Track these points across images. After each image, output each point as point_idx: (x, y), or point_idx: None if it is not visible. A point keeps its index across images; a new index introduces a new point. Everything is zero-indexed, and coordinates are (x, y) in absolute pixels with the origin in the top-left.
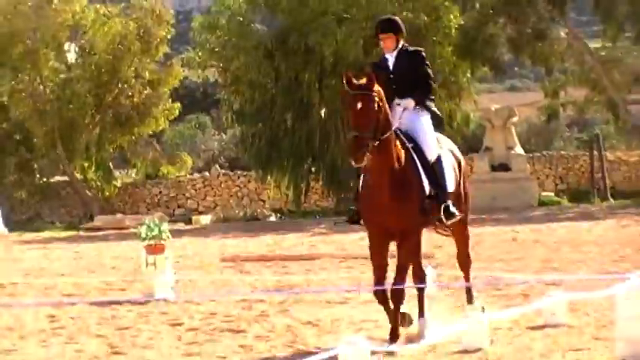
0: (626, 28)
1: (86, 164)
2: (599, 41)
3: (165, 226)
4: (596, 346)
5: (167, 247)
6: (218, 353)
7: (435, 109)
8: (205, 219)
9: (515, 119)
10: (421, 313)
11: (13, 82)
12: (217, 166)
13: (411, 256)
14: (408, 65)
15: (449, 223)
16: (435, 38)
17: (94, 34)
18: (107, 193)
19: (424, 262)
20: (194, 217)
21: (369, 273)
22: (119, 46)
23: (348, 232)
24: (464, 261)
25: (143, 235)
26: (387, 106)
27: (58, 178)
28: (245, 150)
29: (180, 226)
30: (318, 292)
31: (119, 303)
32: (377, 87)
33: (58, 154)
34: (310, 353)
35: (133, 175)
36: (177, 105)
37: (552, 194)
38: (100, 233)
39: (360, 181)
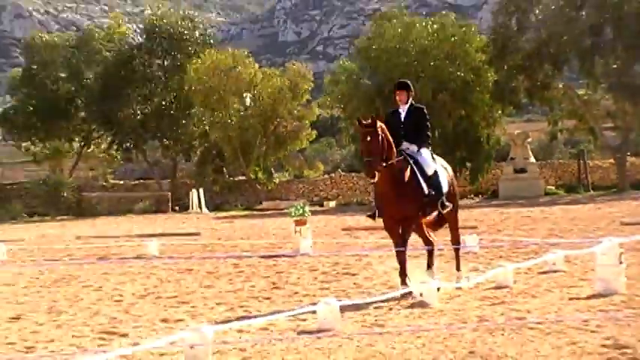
0: (601, 82)
1: (257, 169)
2: (584, 89)
3: (307, 208)
4: (583, 285)
5: (308, 221)
6: (341, 288)
7: (429, 146)
8: (332, 204)
9: (529, 140)
10: (429, 266)
11: (211, 118)
12: (340, 170)
13: (409, 230)
14: (414, 117)
15: (445, 211)
16: (478, 88)
17: (262, 87)
18: (270, 188)
19: (470, 232)
20: (325, 202)
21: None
22: (278, 94)
23: None
24: (456, 241)
25: (293, 214)
26: (390, 139)
27: (239, 177)
28: (357, 160)
29: (316, 208)
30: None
31: (278, 256)
32: (380, 125)
33: (239, 163)
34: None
35: (287, 176)
36: (314, 132)
37: (553, 188)
38: (265, 213)
39: (375, 189)
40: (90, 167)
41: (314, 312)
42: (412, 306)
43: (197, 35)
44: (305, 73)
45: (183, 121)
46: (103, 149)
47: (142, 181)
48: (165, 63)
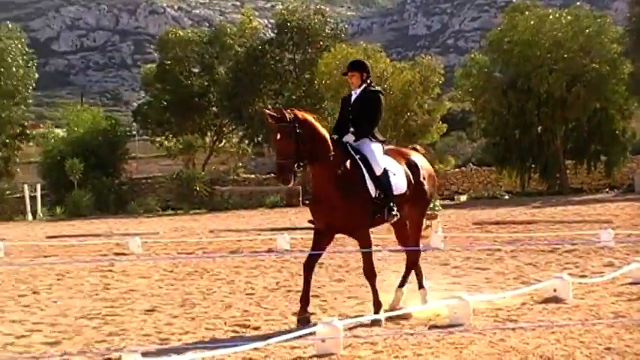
0: None
1: None
2: None
3: (438, 202)
4: None
5: (439, 215)
6: (472, 283)
7: (378, 137)
8: (463, 197)
9: None
10: (402, 284)
11: None
12: (471, 163)
13: (364, 242)
14: (365, 102)
15: (391, 220)
16: (613, 81)
17: (392, 81)
18: None
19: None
20: (456, 196)
21: (567, 231)
22: (408, 88)
23: (559, 205)
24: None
25: None
26: (320, 131)
27: None
28: (488, 153)
29: (447, 202)
30: (533, 244)
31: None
32: (300, 117)
33: None
34: (531, 283)
35: None
36: (445, 125)
37: None
38: None
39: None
40: (221, 161)
41: (445, 307)
42: (546, 301)
43: (328, 29)
44: (435, 67)
45: (314, 116)
46: (234, 143)
47: (272, 175)
48: (296, 57)
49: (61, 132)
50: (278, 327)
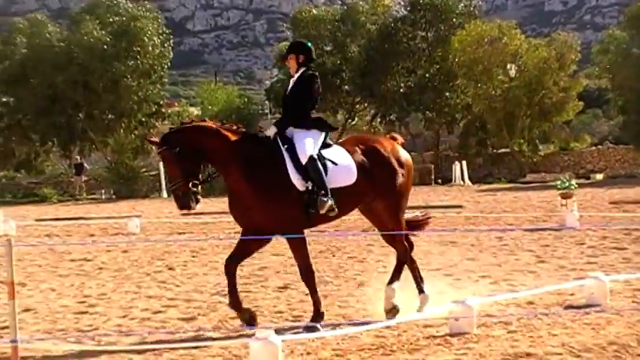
0: None
1: (521, 141)
2: None
3: (573, 181)
4: None
5: (574, 194)
6: (609, 263)
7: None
8: (599, 176)
9: None
10: (392, 280)
11: (475, 90)
12: (607, 142)
13: (298, 254)
14: (298, 88)
15: (322, 211)
16: None
17: (527, 58)
18: (534, 160)
19: None
20: (591, 175)
21: None
22: (543, 65)
23: None
24: (400, 253)
25: (559, 186)
26: (205, 139)
27: (503, 150)
28: (626, 131)
29: (582, 181)
30: None
31: (543, 229)
32: (177, 133)
33: (503, 135)
34: None
35: (552, 148)
36: (581, 103)
37: None
38: (530, 185)
39: None
40: None
41: (581, 287)
42: None
43: (461, 7)
44: (572, 43)
45: (447, 94)
46: (366, 121)
47: None
48: (429, 35)
49: (195, 110)
50: (410, 305)
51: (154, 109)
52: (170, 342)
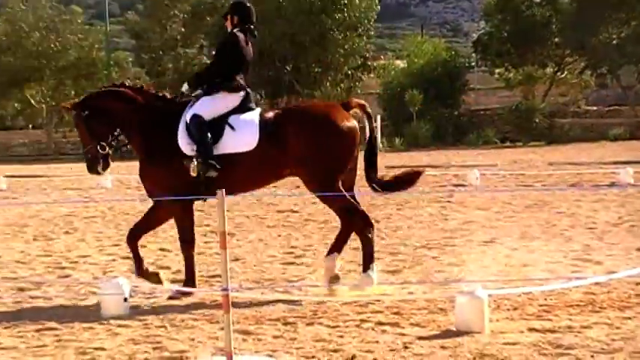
0: None
1: None
2: None
3: None
4: None
5: None
6: None
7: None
8: None
9: None
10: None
11: None
12: None
13: (178, 217)
14: (216, 49)
15: (208, 174)
16: None
17: None
18: None
19: None
20: None
21: None
22: None
23: None
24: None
25: None
26: (111, 103)
27: None
28: None
29: None
30: None
31: None
32: (88, 97)
33: None
34: None
35: None
36: None
37: None
38: None
39: None
40: (561, 93)
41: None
42: None
43: None
44: None
45: None
46: (575, 75)
47: (615, 107)
48: None
49: (401, 64)
50: (621, 262)
51: (359, 62)
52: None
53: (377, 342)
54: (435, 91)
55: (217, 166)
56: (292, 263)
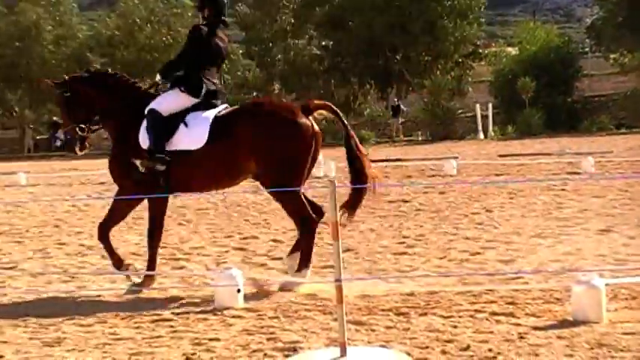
0: None
1: None
2: None
3: None
4: None
5: None
6: None
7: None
8: None
9: None
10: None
11: None
12: None
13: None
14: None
15: (142, 170)
16: None
17: None
18: None
19: None
20: None
21: None
22: None
23: None
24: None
25: None
26: (90, 89)
27: None
28: None
29: None
30: None
31: None
32: (71, 79)
33: None
34: None
35: None
36: None
37: None
38: None
39: None
40: None
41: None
42: None
43: None
44: None
45: None
46: None
47: None
48: None
49: (512, 50)
50: None
51: (470, 50)
52: (489, 284)
53: (491, 332)
54: (548, 77)
55: (164, 160)
56: (404, 253)
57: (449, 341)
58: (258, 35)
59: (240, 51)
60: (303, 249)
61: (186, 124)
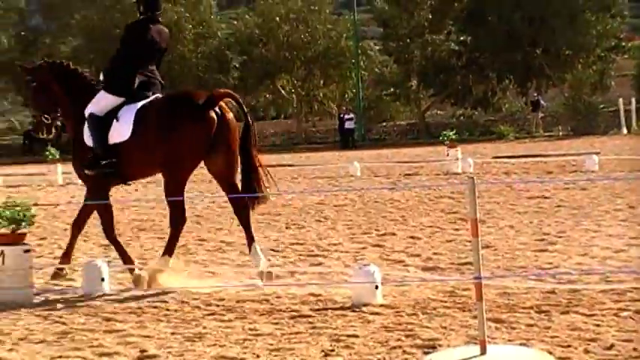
0: None
1: None
2: None
3: None
4: None
5: None
6: None
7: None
8: None
9: None
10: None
11: None
12: None
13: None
14: None
15: (102, 163)
16: None
17: None
18: None
19: None
20: None
21: None
22: None
23: None
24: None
25: None
26: (54, 83)
27: None
28: None
29: None
30: None
31: None
32: (37, 67)
33: None
34: None
35: None
36: None
37: None
38: None
39: None
40: None
41: None
42: None
43: None
44: None
45: None
46: None
47: None
48: None
49: None
50: None
51: (613, 43)
52: (633, 282)
53: (636, 331)
54: None
55: (104, 161)
56: (545, 250)
57: (592, 340)
58: (396, 31)
59: (378, 47)
60: (169, 240)
61: (117, 119)
